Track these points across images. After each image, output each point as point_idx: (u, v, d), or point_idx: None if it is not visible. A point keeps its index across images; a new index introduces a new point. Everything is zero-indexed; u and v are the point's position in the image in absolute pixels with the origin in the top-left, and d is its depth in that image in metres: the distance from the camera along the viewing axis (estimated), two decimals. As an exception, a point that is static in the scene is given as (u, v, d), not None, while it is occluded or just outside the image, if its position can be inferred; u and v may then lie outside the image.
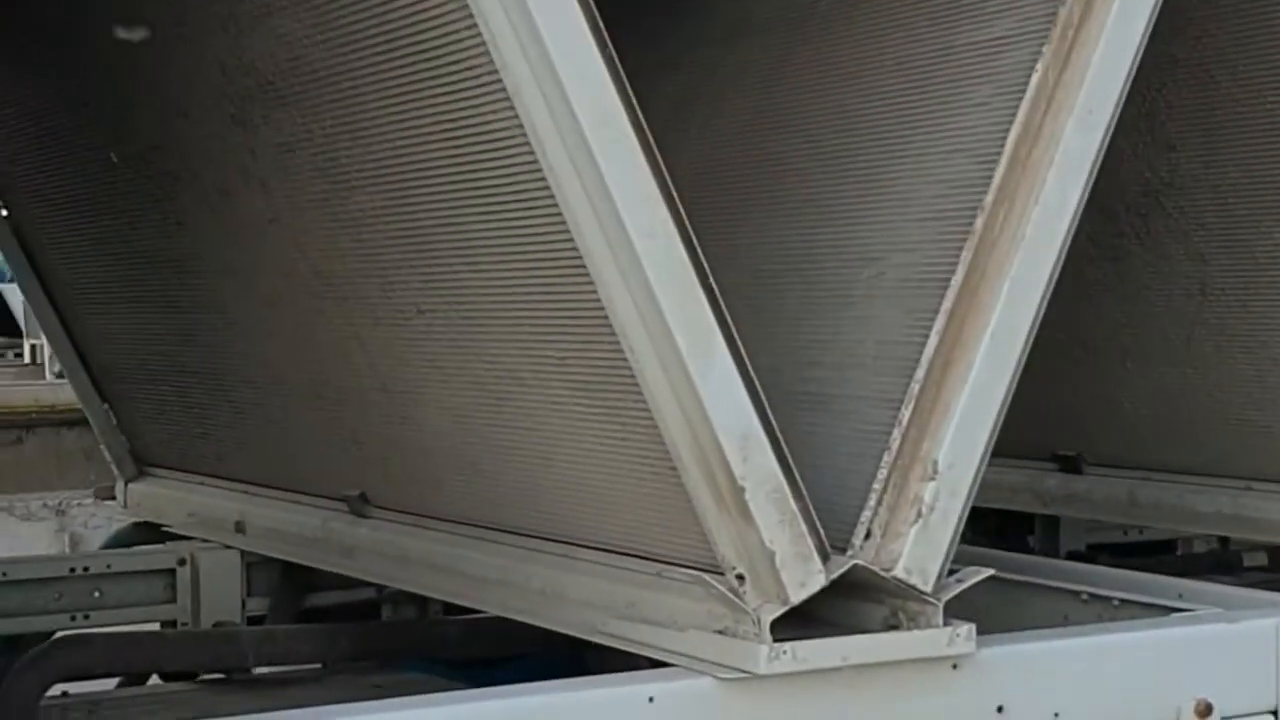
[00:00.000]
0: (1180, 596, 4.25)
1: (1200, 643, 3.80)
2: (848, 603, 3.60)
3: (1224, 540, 6.46)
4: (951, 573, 3.61)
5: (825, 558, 3.45)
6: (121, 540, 5.81)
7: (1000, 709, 3.59)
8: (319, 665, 5.07)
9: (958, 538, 3.56)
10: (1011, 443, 6.03)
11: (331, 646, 4.79)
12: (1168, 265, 5.16)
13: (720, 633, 3.44)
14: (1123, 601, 4.22)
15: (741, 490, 3.35)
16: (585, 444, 3.71)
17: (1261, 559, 6.43)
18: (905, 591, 3.51)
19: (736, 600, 3.38)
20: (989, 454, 3.61)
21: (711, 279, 3.34)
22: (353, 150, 3.90)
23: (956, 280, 3.62)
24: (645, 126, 3.25)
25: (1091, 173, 3.69)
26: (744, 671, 3.35)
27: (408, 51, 3.53)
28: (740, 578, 3.40)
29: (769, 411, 3.39)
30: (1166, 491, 5.42)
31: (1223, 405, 5.19)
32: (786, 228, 4.20)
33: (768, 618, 3.37)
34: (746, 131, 4.50)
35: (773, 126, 4.40)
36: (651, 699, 3.30)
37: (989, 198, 3.65)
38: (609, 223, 3.25)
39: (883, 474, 3.56)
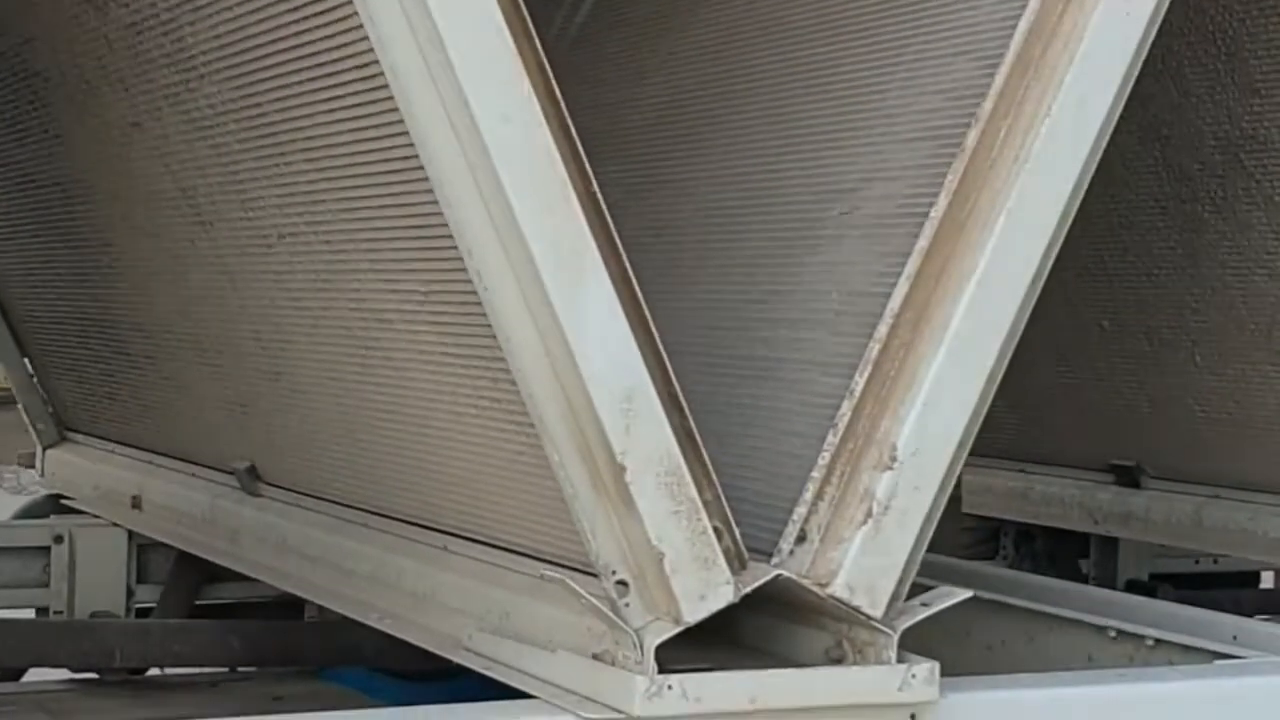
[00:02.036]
0: (1235, 639, 3.36)
1: (1247, 699, 2.92)
2: (788, 629, 2.77)
3: (1315, 576, 5.56)
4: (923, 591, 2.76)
5: (740, 565, 2.61)
6: (31, 516, 5.04)
7: (972, 775, 2.73)
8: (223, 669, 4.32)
9: (922, 547, 2.71)
10: (1060, 449, 5.23)
11: (219, 648, 4.00)
12: (1247, 239, 4.27)
13: (597, 657, 2.61)
14: (1158, 642, 3.34)
15: (622, 470, 2.52)
16: (457, 405, 2.90)
17: (1357, 599, 5.50)
18: (849, 615, 2.66)
19: (613, 616, 2.55)
20: (970, 440, 2.75)
21: (594, 184, 2.51)
22: (196, 27, 3.11)
23: (938, 212, 2.77)
24: (505, -28, 2.42)
25: (1125, 81, 2.82)
26: (616, 711, 2.52)
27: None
28: (622, 585, 2.57)
29: (667, 364, 2.56)
30: (1238, 512, 4.52)
31: (1309, 411, 4.30)
32: (751, 155, 3.36)
33: (652, 640, 2.53)
34: (722, 45, 3.66)
35: (750, 38, 3.56)
36: (488, 741, 2.48)
37: (987, 105, 2.80)
38: (450, 98, 2.43)
39: (825, 459, 2.71)
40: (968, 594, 2.75)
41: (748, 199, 3.31)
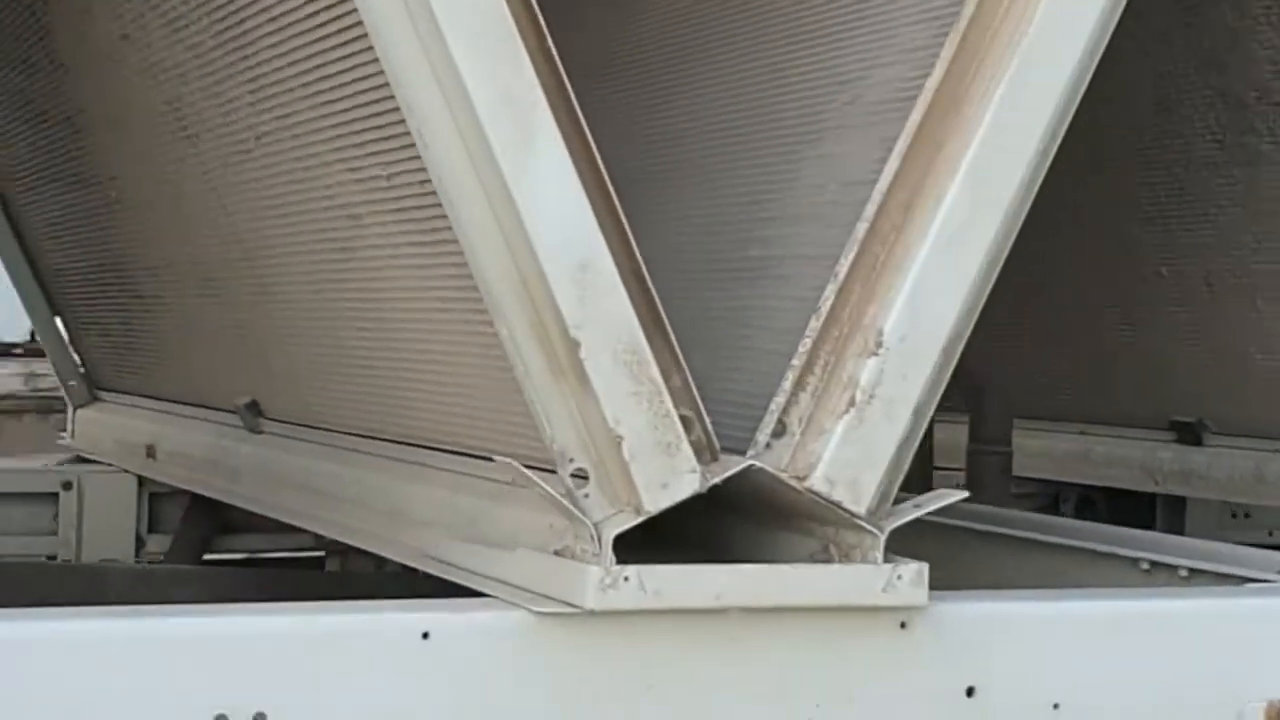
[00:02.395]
0: (1280, 572, 3.13)
1: (1269, 618, 2.69)
2: (771, 536, 2.57)
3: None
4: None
5: (710, 457, 2.42)
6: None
7: (970, 691, 2.53)
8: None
9: (912, 444, 2.51)
10: (1121, 408, 4.98)
11: (224, 594, 3.85)
12: (1309, 170, 4.04)
13: (557, 554, 2.44)
14: (1193, 572, 3.11)
15: (576, 345, 2.34)
16: (425, 302, 2.73)
17: None
18: (830, 513, 2.46)
19: (571, 508, 2.37)
20: (966, 330, 2.55)
21: (549, 41, 2.33)
22: (165, -85, 2.98)
23: (931, 85, 2.58)
24: None
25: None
26: (570, 605, 2.34)
27: None
28: (580, 475, 2.39)
29: (629, 234, 2.37)
30: (1301, 466, 4.28)
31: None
32: (758, 58, 3.17)
33: (610, 531, 2.35)
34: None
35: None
36: (426, 635, 2.30)
37: (985, -27, 2.60)
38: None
39: (806, 346, 2.52)
40: (962, 495, 2.55)
41: (752, 102, 3.12)
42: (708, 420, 2.43)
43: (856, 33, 2.92)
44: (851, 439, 2.46)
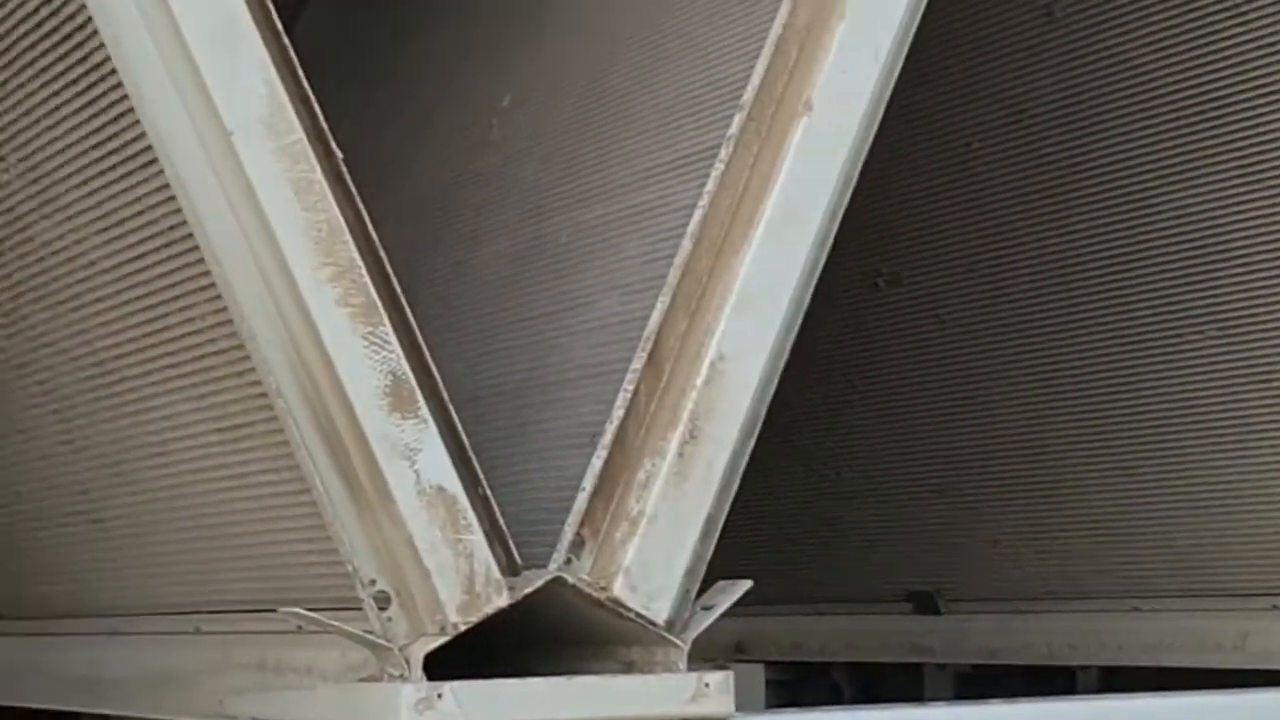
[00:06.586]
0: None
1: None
2: (575, 651, 2.52)
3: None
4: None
5: (512, 573, 2.40)
6: None
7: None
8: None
9: (710, 536, 2.47)
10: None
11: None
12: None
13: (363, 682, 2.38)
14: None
15: (377, 467, 2.31)
16: (201, 436, 2.65)
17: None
18: (632, 625, 2.44)
19: (374, 638, 2.31)
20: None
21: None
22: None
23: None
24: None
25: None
26: (381, 728, 2.27)
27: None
28: (381, 598, 2.35)
29: (427, 356, 2.36)
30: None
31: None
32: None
33: (419, 652, 2.30)
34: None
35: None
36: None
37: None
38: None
39: (603, 450, 2.47)
40: (747, 584, 2.52)
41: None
42: (507, 533, 2.40)
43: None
44: (647, 545, 2.43)
